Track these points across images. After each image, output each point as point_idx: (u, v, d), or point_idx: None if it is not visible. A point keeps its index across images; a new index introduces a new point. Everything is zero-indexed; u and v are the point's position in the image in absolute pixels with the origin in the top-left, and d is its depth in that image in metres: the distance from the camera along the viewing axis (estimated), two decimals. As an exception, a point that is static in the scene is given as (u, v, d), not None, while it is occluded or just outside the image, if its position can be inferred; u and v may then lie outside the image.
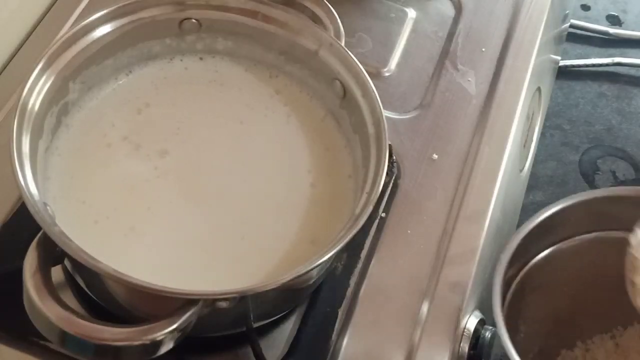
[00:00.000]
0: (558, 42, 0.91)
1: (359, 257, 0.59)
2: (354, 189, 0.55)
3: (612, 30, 1.00)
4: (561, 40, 0.94)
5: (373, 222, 0.61)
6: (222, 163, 0.56)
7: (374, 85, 0.54)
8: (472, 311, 0.59)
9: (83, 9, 0.71)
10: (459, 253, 0.61)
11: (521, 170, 0.75)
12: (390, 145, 0.53)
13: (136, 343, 0.43)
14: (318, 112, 0.59)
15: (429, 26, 0.75)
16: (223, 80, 0.60)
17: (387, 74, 0.71)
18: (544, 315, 0.60)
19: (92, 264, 0.44)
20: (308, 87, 0.60)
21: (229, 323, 0.52)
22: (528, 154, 0.78)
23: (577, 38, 0.99)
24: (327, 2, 0.58)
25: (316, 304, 0.57)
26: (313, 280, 0.54)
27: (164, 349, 0.44)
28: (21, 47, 0.69)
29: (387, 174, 0.51)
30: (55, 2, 0.72)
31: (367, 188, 0.51)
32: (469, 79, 0.72)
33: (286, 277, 0.45)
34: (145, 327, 0.43)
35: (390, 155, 0.62)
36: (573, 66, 0.95)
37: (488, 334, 0.58)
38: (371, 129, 0.54)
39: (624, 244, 0.55)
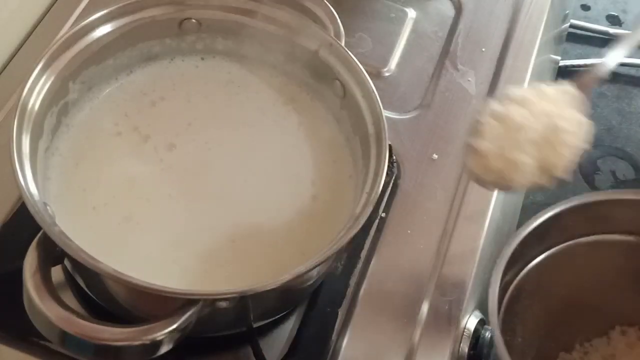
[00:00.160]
0: (558, 42, 0.91)
1: (359, 257, 0.59)
2: (354, 189, 0.55)
3: (612, 30, 1.00)
4: (561, 40, 0.94)
5: (373, 222, 0.61)
6: (227, 164, 0.56)
7: (374, 85, 0.54)
8: (472, 311, 0.59)
9: (83, 9, 0.71)
10: (459, 253, 0.61)
11: (521, 170, 0.75)
12: (390, 145, 0.53)
13: (136, 343, 0.43)
14: (326, 117, 0.59)
15: (429, 26, 0.75)
16: (240, 82, 0.60)
17: (387, 74, 0.71)
18: (542, 318, 0.60)
19: (92, 264, 0.44)
20: (308, 88, 0.60)
21: (229, 323, 0.52)
22: (528, 154, 0.78)
23: (577, 38, 0.99)
24: (327, 2, 0.58)
25: (316, 304, 0.57)
26: (313, 280, 0.54)
27: (164, 349, 0.44)
28: (21, 47, 0.69)
29: (387, 174, 0.51)
30: (55, 2, 0.72)
31: (367, 188, 0.51)
32: (469, 79, 0.72)
33: (286, 277, 0.45)
34: (145, 327, 0.43)
35: (390, 155, 0.62)
36: (573, 66, 0.95)
37: (488, 334, 0.58)
38: (371, 129, 0.54)
39: (622, 247, 0.56)
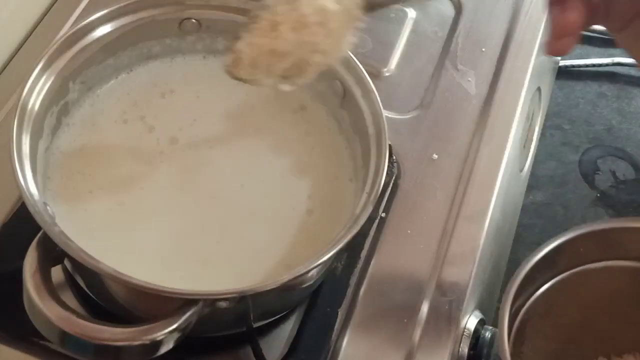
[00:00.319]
0: (558, 42, 0.91)
1: (359, 257, 0.59)
2: (354, 192, 0.54)
3: (612, 30, 1.00)
4: (561, 40, 0.94)
5: (373, 222, 0.61)
6: (226, 166, 0.56)
7: (374, 85, 0.54)
8: (472, 311, 0.59)
9: (83, 9, 0.71)
10: (459, 253, 0.61)
11: (521, 170, 0.75)
12: (390, 145, 0.53)
13: (136, 343, 0.43)
14: (333, 129, 0.59)
15: (429, 26, 0.75)
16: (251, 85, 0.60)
17: (387, 74, 0.71)
18: (552, 342, 0.60)
19: (92, 264, 0.44)
20: (308, 88, 0.60)
21: (229, 323, 0.52)
22: (528, 154, 0.78)
23: (577, 38, 0.99)
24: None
25: (316, 304, 0.57)
26: (313, 280, 0.54)
27: (164, 349, 0.44)
28: (21, 47, 0.69)
29: (387, 174, 0.51)
30: (55, 2, 0.72)
31: (367, 188, 0.51)
32: (469, 79, 0.72)
33: (286, 277, 0.45)
34: (145, 327, 0.43)
35: (390, 155, 0.62)
36: (573, 66, 0.95)
37: (488, 334, 0.58)
38: (371, 129, 0.54)
39: (633, 273, 0.56)
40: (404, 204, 0.63)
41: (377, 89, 0.54)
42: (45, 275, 0.44)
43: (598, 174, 0.87)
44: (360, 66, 0.55)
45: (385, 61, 0.72)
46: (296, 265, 0.47)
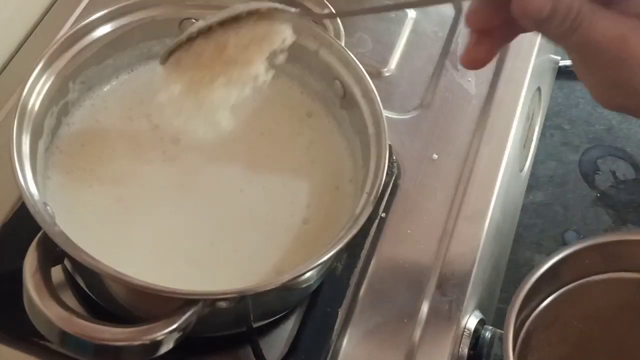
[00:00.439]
0: (558, 42, 0.91)
1: (359, 257, 0.59)
2: (354, 193, 0.54)
3: (612, 30, 1.00)
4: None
5: (373, 222, 0.61)
6: (227, 169, 0.56)
7: (374, 85, 0.54)
8: (472, 311, 0.59)
9: (83, 9, 0.71)
10: (459, 253, 0.61)
11: (521, 170, 0.75)
12: (390, 145, 0.53)
13: (136, 343, 0.43)
14: (337, 139, 0.58)
15: (429, 26, 0.75)
16: (273, 92, 0.60)
17: (387, 74, 0.71)
18: (557, 353, 0.60)
19: (92, 264, 0.44)
20: (308, 88, 0.60)
21: (229, 323, 0.52)
22: (528, 154, 0.78)
23: (577, 38, 0.99)
24: (327, 2, 0.58)
25: (316, 304, 0.57)
26: (313, 280, 0.54)
27: (164, 349, 0.44)
28: (21, 47, 0.69)
29: (387, 174, 0.51)
30: (55, 2, 0.72)
31: (367, 188, 0.51)
32: (469, 79, 0.72)
33: (286, 277, 0.45)
34: (145, 327, 0.43)
35: (390, 155, 0.62)
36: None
37: (488, 334, 0.58)
38: (371, 129, 0.54)
39: (638, 285, 0.56)
40: (404, 204, 0.63)
41: (377, 89, 0.54)
42: (45, 275, 0.44)
43: (598, 174, 0.87)
44: (360, 66, 0.55)
45: (385, 61, 0.72)
46: (285, 272, 0.47)
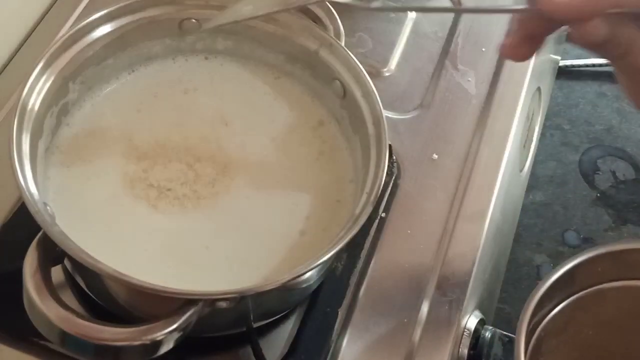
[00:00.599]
0: (558, 41, 0.91)
1: (359, 257, 0.59)
2: (354, 194, 0.54)
3: (612, 30, 1.00)
4: (561, 40, 0.94)
5: (373, 222, 0.61)
6: (235, 170, 0.55)
7: (374, 85, 0.54)
8: (472, 311, 0.59)
9: (83, 9, 0.71)
10: (459, 253, 0.61)
11: (521, 170, 0.75)
12: (390, 145, 0.53)
13: (136, 343, 0.43)
14: (346, 150, 0.58)
15: (429, 26, 0.75)
16: (276, 94, 0.60)
17: (387, 74, 0.71)
18: (568, 358, 0.60)
19: (92, 264, 0.44)
20: (308, 88, 0.60)
21: (229, 323, 0.52)
22: (528, 154, 0.78)
23: (577, 38, 0.99)
24: (327, 2, 0.58)
25: (316, 304, 0.57)
26: (313, 281, 0.54)
27: (164, 349, 0.44)
28: (21, 47, 0.69)
29: (387, 174, 0.51)
30: (55, 2, 0.72)
31: (367, 188, 0.51)
32: (469, 79, 0.72)
33: (286, 277, 0.45)
34: (145, 327, 0.43)
35: (390, 155, 0.62)
36: (573, 66, 0.95)
37: (488, 334, 0.58)
38: (371, 129, 0.54)
39: None
40: (404, 204, 0.63)
41: (377, 89, 0.54)
42: (45, 275, 0.44)
43: (598, 174, 0.87)
44: (360, 66, 0.55)
45: (385, 61, 0.72)
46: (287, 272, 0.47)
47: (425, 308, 0.58)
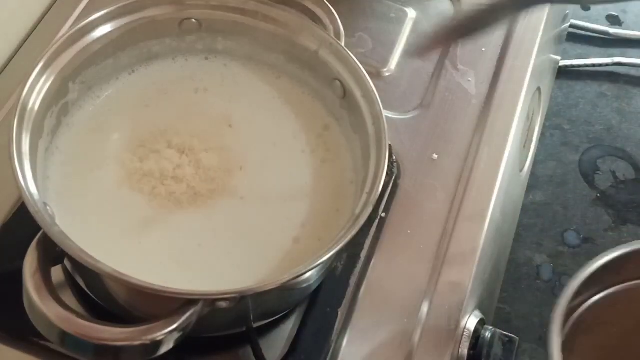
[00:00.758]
0: (558, 42, 0.91)
1: (359, 257, 0.59)
2: (354, 195, 0.54)
3: (612, 30, 1.00)
4: (561, 40, 0.95)
5: (373, 222, 0.61)
6: (233, 172, 0.55)
7: (374, 85, 0.54)
8: (472, 311, 0.59)
9: (83, 9, 0.71)
10: (459, 253, 0.61)
11: (521, 170, 0.75)
12: (390, 145, 0.53)
13: (136, 343, 0.43)
14: (350, 158, 0.57)
15: (429, 26, 0.75)
16: (281, 97, 0.60)
17: (387, 74, 0.71)
18: (597, 356, 0.60)
19: (92, 264, 0.44)
20: (308, 88, 0.60)
21: (229, 323, 0.52)
22: (528, 154, 0.78)
23: (577, 38, 1.00)
24: (327, 2, 0.58)
25: (316, 304, 0.57)
26: (313, 281, 0.54)
27: (164, 349, 0.44)
28: (21, 47, 0.69)
29: (387, 174, 0.51)
30: (55, 2, 0.72)
31: (367, 188, 0.51)
32: (469, 79, 0.72)
33: (286, 277, 0.45)
34: (145, 327, 0.43)
35: (390, 155, 0.62)
36: (573, 66, 0.95)
37: (488, 334, 0.58)
38: (371, 129, 0.54)
39: None
40: (404, 204, 0.63)
41: (377, 89, 0.54)
42: (45, 275, 0.44)
43: (598, 174, 0.87)
44: (360, 66, 0.55)
45: (385, 61, 0.72)
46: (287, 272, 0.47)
47: (425, 308, 0.58)
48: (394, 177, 0.64)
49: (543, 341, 0.51)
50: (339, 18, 0.58)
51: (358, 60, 0.56)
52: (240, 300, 0.46)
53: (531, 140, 0.79)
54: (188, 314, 0.44)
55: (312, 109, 0.59)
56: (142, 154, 0.55)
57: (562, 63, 0.94)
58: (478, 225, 0.62)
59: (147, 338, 0.43)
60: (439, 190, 0.64)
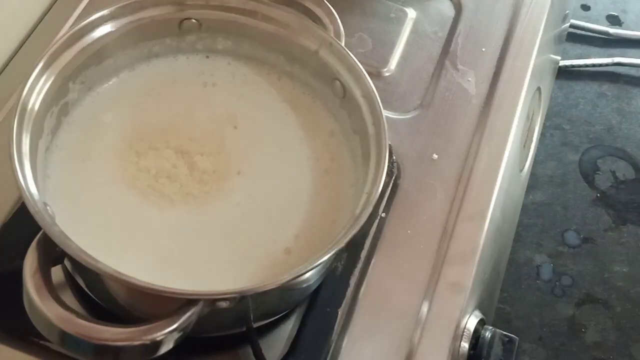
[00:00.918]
0: (558, 42, 0.91)
1: (359, 257, 0.59)
2: (354, 197, 0.54)
3: (612, 30, 1.00)
4: (561, 40, 0.95)
5: (373, 222, 0.61)
6: (233, 176, 0.55)
7: (374, 85, 0.54)
8: (472, 311, 0.59)
9: (83, 9, 0.71)
10: (459, 253, 0.61)
11: (521, 170, 0.75)
12: (390, 145, 0.53)
13: (136, 343, 0.43)
14: (352, 170, 0.56)
15: (429, 26, 0.75)
16: (287, 99, 0.59)
17: (387, 74, 0.71)
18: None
19: (92, 264, 0.44)
20: (308, 88, 0.60)
21: (229, 323, 0.52)
22: (528, 154, 0.78)
23: (577, 38, 1.00)
24: (327, 2, 0.58)
25: (316, 304, 0.57)
26: (313, 280, 0.54)
27: (164, 349, 0.44)
28: (21, 47, 0.69)
29: (387, 174, 0.51)
30: (55, 2, 0.72)
31: (367, 188, 0.51)
32: (469, 79, 0.72)
33: (286, 277, 0.45)
34: (145, 327, 0.43)
35: (390, 155, 0.62)
36: (573, 66, 0.95)
37: (488, 334, 0.58)
38: (371, 129, 0.54)
39: None
40: (404, 204, 0.63)
41: (377, 89, 0.54)
42: (45, 275, 0.44)
43: (598, 174, 0.87)
44: (360, 66, 0.55)
45: (385, 61, 0.72)
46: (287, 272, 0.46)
47: (425, 308, 0.58)
48: (394, 177, 0.64)
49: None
50: (339, 18, 0.58)
51: (358, 60, 0.56)
52: (240, 300, 0.46)
53: (531, 140, 0.79)
54: (188, 314, 0.44)
55: (315, 111, 0.59)
56: (143, 154, 0.55)
57: (562, 63, 0.94)
58: (478, 225, 0.62)
59: (147, 338, 0.43)
60: (439, 190, 0.64)
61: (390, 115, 0.67)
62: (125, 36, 0.56)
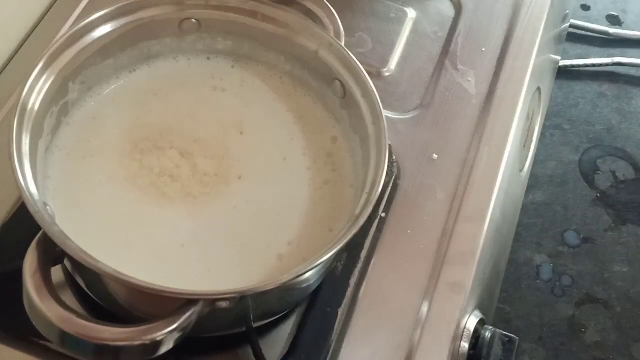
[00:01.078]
0: (558, 42, 0.91)
1: (359, 257, 0.59)
2: (354, 197, 0.54)
3: (612, 30, 1.00)
4: (561, 40, 0.95)
5: (373, 222, 0.61)
6: (232, 180, 0.55)
7: (374, 85, 0.54)
8: (472, 311, 0.59)
9: (83, 9, 0.71)
10: (459, 253, 0.61)
11: (521, 170, 0.75)
12: (390, 145, 0.53)
13: (136, 343, 0.43)
14: (352, 181, 0.56)
15: (429, 26, 0.75)
16: (298, 109, 0.59)
17: (387, 74, 0.71)
18: None
19: (92, 264, 0.44)
20: (308, 88, 0.60)
21: (229, 323, 0.52)
22: (528, 154, 0.78)
23: (577, 38, 1.00)
24: (327, 2, 0.58)
25: (316, 304, 0.57)
26: (313, 280, 0.54)
27: (164, 349, 0.44)
28: (21, 47, 0.69)
29: (387, 174, 0.51)
30: (55, 2, 0.72)
31: (367, 188, 0.51)
32: (469, 79, 0.72)
33: (286, 277, 0.45)
34: (145, 327, 0.43)
35: (390, 155, 0.62)
36: (573, 66, 0.95)
37: (488, 334, 0.58)
38: (371, 129, 0.54)
39: None
40: (404, 204, 0.63)
41: (377, 89, 0.54)
42: (45, 275, 0.44)
43: (598, 174, 0.87)
44: (360, 66, 0.55)
45: (385, 61, 0.72)
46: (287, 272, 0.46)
47: (425, 308, 0.58)
48: (393, 177, 0.64)
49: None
50: (339, 18, 0.58)
51: (358, 60, 0.56)
52: (240, 300, 0.46)
53: (531, 140, 0.79)
54: (188, 314, 0.44)
55: (318, 116, 0.59)
56: (147, 153, 0.55)
57: (562, 63, 0.94)
58: (478, 225, 0.62)
59: (147, 338, 0.43)
60: (439, 190, 0.64)
61: (390, 115, 0.67)
62: (125, 36, 0.56)
